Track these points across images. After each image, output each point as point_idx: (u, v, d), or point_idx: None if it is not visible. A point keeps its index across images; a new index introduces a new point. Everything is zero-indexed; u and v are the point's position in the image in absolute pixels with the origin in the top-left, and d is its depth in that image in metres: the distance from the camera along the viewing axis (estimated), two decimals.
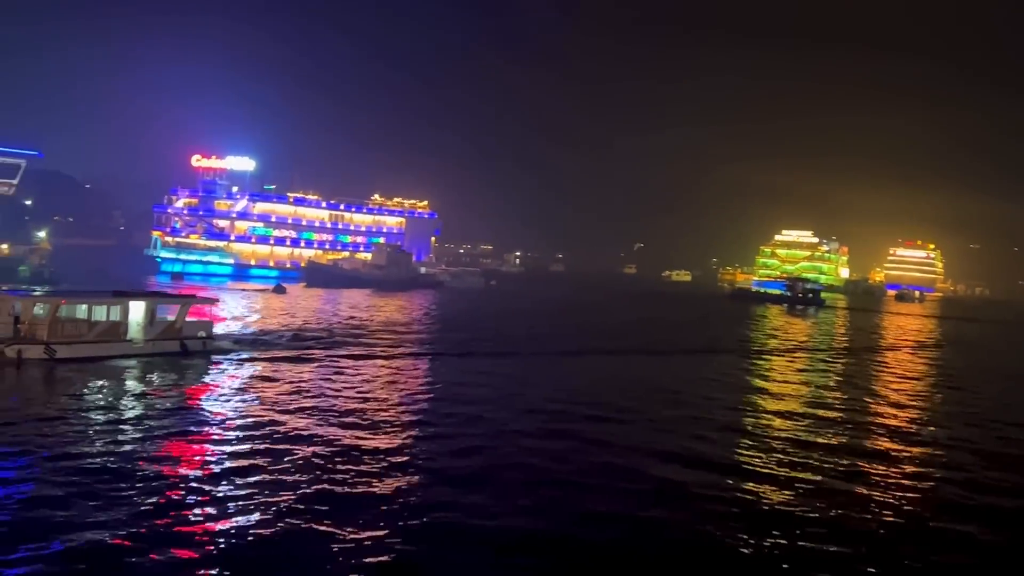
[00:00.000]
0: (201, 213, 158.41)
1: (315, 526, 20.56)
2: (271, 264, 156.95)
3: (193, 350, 46.85)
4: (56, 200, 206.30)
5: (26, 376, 38.31)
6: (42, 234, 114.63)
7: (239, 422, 31.35)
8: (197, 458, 26.33)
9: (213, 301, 54.90)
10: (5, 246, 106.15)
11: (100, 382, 37.76)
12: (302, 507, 21.87)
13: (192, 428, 30.22)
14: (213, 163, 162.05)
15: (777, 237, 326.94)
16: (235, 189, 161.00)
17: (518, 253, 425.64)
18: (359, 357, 50.55)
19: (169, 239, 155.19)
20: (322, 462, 26.27)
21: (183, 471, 24.64)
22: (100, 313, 44.58)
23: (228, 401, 35.50)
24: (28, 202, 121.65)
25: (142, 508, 20.98)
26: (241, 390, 38.06)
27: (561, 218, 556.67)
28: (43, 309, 42.84)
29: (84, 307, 44.71)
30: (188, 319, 48.45)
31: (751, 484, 26.78)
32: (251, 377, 41.64)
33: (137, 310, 45.78)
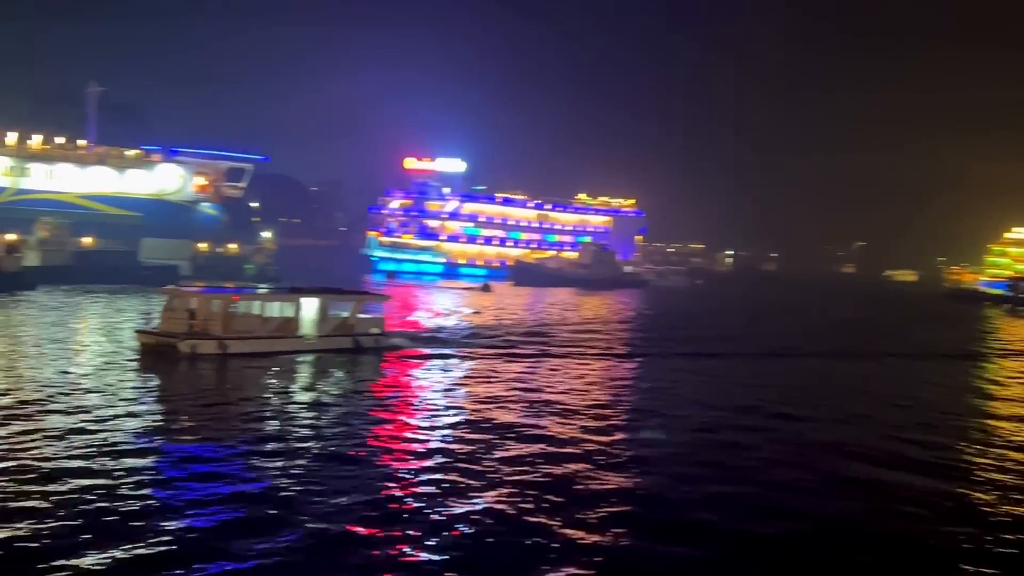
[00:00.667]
0: (414, 214, 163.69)
1: (529, 519, 20.55)
2: (480, 263, 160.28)
3: (365, 346, 47.02)
4: (283, 203, 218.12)
5: (205, 371, 39.40)
6: (267, 234, 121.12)
7: (442, 416, 31.97)
8: (408, 450, 26.87)
9: (385, 298, 55.12)
10: (234, 246, 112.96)
11: (285, 376, 38.99)
12: (516, 500, 21.90)
13: (392, 421, 31.01)
14: (425, 165, 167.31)
15: (1007, 235, 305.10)
16: (446, 190, 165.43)
17: (730, 252, 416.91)
18: (549, 356, 50.36)
19: (384, 239, 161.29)
20: (531, 457, 26.31)
21: (398, 463, 25.18)
22: (273, 309, 45.31)
23: (423, 395, 36.30)
24: (255, 204, 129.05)
25: (362, 499, 21.34)
26: (432, 385, 38.74)
27: (776, 216, 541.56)
28: (217, 305, 43.56)
29: (257, 303, 45.51)
30: (361, 315, 48.64)
31: (979, 492, 24.98)
32: (437, 373, 42.24)
33: (310, 306, 46.06)
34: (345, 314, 47.79)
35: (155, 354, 41.31)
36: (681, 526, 20.91)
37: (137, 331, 44.75)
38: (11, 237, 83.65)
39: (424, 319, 68.75)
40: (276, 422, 29.65)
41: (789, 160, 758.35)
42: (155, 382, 36.28)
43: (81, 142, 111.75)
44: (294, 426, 29.18)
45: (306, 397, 34.78)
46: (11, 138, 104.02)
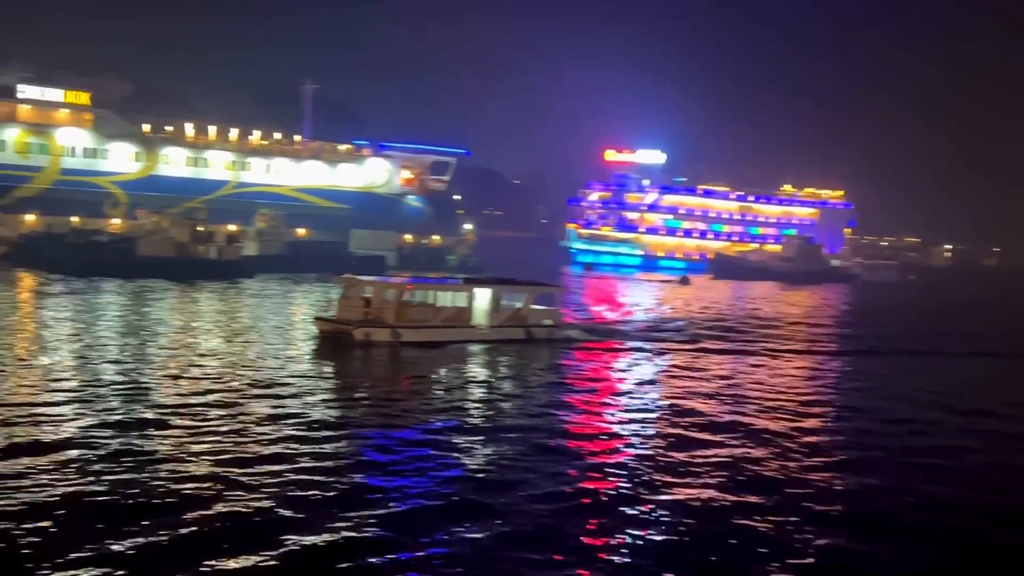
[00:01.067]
0: (613, 206, 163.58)
1: (732, 516, 20.26)
2: (679, 256, 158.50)
3: (538, 338, 46.76)
4: (486, 195, 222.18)
5: (382, 358, 40.11)
6: (469, 226, 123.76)
7: (630, 408, 31.79)
8: (600, 441, 26.81)
9: (559, 289, 53.64)
10: (437, 237, 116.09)
11: (463, 366, 39.46)
12: (716, 497, 21.59)
13: (580, 411, 31.05)
14: (624, 157, 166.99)
15: None
16: (645, 182, 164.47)
17: (948, 246, 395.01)
18: (745, 352, 49.01)
19: (583, 231, 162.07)
20: (731, 452, 25.91)
21: (591, 455, 25.19)
22: (446, 299, 45.68)
23: (605, 387, 36.07)
24: (458, 197, 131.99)
25: (556, 490, 21.42)
26: (615, 377, 38.44)
27: (999, 211, 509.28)
28: (391, 294, 44.26)
29: (431, 292, 45.94)
30: (535, 307, 48.42)
31: None
32: (619, 365, 41.88)
33: (483, 296, 46.26)
34: (518, 305, 47.81)
35: (332, 340, 42.66)
36: (894, 528, 20.13)
37: (316, 318, 46.17)
38: (232, 228, 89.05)
39: (609, 311, 68.50)
40: (463, 411, 30.17)
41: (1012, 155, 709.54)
42: (338, 368, 37.44)
43: (296, 137, 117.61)
44: (482, 416, 29.64)
45: (488, 388, 35.14)
46: (233, 134, 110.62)
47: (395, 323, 43.31)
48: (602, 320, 60.74)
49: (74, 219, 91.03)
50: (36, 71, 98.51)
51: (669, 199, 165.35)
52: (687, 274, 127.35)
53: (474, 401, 32.14)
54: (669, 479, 22.80)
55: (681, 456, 25.16)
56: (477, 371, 39.23)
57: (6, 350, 36.44)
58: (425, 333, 43.79)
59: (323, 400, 30.32)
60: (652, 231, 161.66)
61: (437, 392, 33.47)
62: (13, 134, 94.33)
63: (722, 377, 39.79)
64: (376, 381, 35.56)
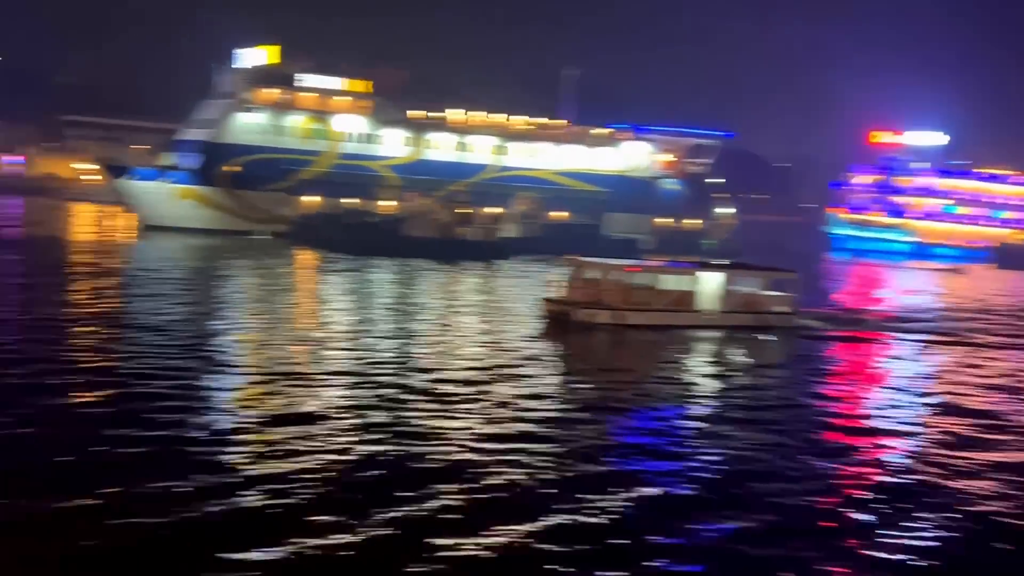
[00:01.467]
0: (881, 190, 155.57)
1: (1018, 526, 18.95)
2: (956, 243, 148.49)
3: (771, 325, 44.46)
4: (750, 179, 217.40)
5: (607, 341, 39.96)
6: (728, 210, 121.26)
7: (889, 402, 30.25)
8: (869, 437, 25.77)
9: (793, 274, 50.67)
10: (694, 221, 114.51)
11: (694, 352, 38.87)
12: (1003, 502, 20.22)
13: (830, 402, 29.91)
14: (893, 139, 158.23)
15: None
16: (920, 164, 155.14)
17: None
18: (1006, 347, 45.12)
19: (848, 216, 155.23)
20: (1015, 454, 24.31)
21: (861, 448, 24.40)
22: (670, 282, 44.56)
23: (854, 379, 34.61)
24: (720, 180, 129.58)
25: (814, 487, 20.64)
26: (863, 369, 36.94)
27: None
28: (615, 276, 43.68)
29: (655, 276, 44.98)
30: (769, 293, 46.30)
31: None
32: (867, 357, 40.11)
33: (709, 281, 44.63)
34: (750, 290, 46.08)
35: (557, 322, 42.63)
36: None
37: (543, 299, 46.02)
38: (493, 210, 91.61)
39: (863, 300, 65.12)
40: (703, 398, 29.80)
41: None
42: (569, 350, 37.65)
43: (556, 121, 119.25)
44: (724, 403, 29.09)
45: (725, 374, 34.45)
46: (496, 119, 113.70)
47: (618, 305, 42.96)
48: (850, 309, 57.77)
49: (351, 201, 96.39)
50: (317, 61, 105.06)
51: (944, 183, 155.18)
52: (964, 263, 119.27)
53: (714, 388, 31.68)
54: (939, 480, 21.45)
55: (953, 455, 23.65)
56: (710, 357, 38.66)
57: (284, 323, 39.26)
58: (648, 316, 43.08)
59: (564, 381, 30.76)
60: (926, 216, 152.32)
61: (673, 377, 33.06)
62: (295, 120, 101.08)
63: (1000, 374, 37.04)
64: (607, 363, 35.68)
